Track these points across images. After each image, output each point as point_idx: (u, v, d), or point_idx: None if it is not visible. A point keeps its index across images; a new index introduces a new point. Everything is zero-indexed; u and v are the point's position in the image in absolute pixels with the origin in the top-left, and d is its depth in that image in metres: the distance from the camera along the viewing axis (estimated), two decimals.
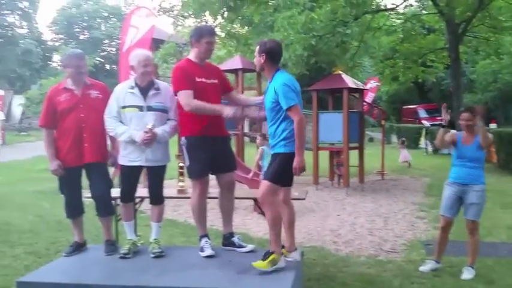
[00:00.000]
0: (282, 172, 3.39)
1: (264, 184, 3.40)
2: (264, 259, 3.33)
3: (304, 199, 4.93)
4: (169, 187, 7.05)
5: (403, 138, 14.12)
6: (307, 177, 10.18)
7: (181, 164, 4.93)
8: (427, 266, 4.39)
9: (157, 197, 3.92)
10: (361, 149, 9.17)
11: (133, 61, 3.74)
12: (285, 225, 3.61)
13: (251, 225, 6.10)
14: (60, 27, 38.46)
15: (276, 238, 3.39)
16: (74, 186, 3.93)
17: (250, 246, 3.79)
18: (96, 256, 3.84)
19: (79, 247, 3.96)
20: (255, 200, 5.07)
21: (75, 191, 3.96)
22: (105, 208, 3.91)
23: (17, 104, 28.79)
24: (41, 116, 3.98)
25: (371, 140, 21.87)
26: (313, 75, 15.32)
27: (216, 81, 3.76)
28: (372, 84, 19.03)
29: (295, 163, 3.31)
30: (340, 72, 9.08)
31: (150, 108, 3.69)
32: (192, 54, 3.77)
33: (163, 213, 4.02)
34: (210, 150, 3.67)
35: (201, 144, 3.68)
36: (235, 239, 3.81)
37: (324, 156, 9.72)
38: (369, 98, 18.32)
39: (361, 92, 9.68)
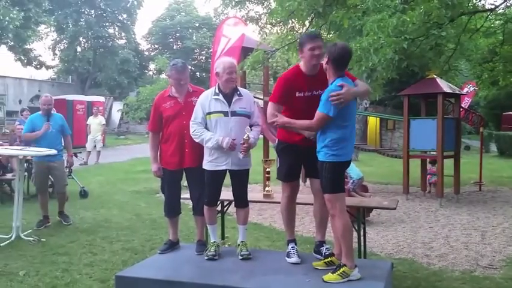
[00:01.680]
0: (335, 181, 3.32)
1: (326, 198, 3.35)
2: (334, 272, 3.28)
3: (394, 208, 4.74)
4: (255, 191, 7.21)
5: None
6: (397, 186, 9.83)
7: (268, 169, 5.00)
8: None
9: (242, 200, 4.00)
10: (457, 158, 8.66)
11: (218, 68, 3.87)
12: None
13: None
14: (156, 38, 40.73)
15: (347, 250, 3.29)
16: (174, 188, 4.17)
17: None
18: (188, 255, 4.01)
19: (173, 245, 4.18)
20: None
21: (175, 192, 4.19)
22: (202, 208, 4.05)
23: (117, 110, 30.96)
24: (149, 121, 4.30)
25: (467, 148, 20.59)
26: (404, 79, 14.75)
27: (320, 91, 3.44)
28: (469, 88, 17.93)
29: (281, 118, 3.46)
30: (434, 76, 8.67)
31: (234, 114, 3.81)
32: (301, 63, 3.67)
33: (248, 216, 4.10)
34: (303, 157, 3.67)
35: (291, 150, 3.69)
36: (323, 249, 3.73)
37: (415, 164, 9.32)
38: (465, 103, 17.30)
39: (457, 97, 9.16)
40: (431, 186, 9.38)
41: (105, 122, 15.74)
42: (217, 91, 3.86)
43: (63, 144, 6.67)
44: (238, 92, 3.88)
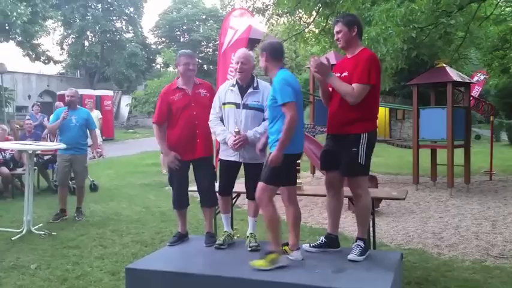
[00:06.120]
0: (276, 173, 3.36)
1: (259, 185, 3.42)
2: (262, 258, 3.34)
3: (403, 199, 4.72)
4: None
5: None
6: (407, 176, 9.78)
7: None
8: None
9: (253, 193, 3.99)
10: (467, 147, 8.58)
11: (233, 59, 3.94)
12: (289, 224, 3.61)
13: (346, 224, 5.98)
14: (163, 31, 40.71)
15: (274, 238, 3.38)
16: (183, 179, 4.17)
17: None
18: (197, 246, 4.02)
19: (182, 237, 4.19)
20: (350, 198, 4.95)
21: (184, 184, 4.20)
22: (209, 199, 4.10)
23: (125, 104, 31.04)
24: (155, 113, 4.27)
25: (478, 137, 20.40)
26: (413, 69, 14.63)
27: (345, 74, 3.55)
28: (480, 77, 17.74)
29: (270, 156, 3.36)
30: (444, 65, 8.58)
31: (245, 106, 3.81)
32: None
33: (259, 209, 4.09)
34: (332, 146, 3.69)
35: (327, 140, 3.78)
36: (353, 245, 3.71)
37: (425, 154, 9.25)
38: (475, 92, 17.12)
39: (467, 85, 9.06)
40: None
41: (101, 116, 15.41)
42: (234, 83, 3.91)
43: (88, 139, 6.80)
44: (255, 85, 3.87)
